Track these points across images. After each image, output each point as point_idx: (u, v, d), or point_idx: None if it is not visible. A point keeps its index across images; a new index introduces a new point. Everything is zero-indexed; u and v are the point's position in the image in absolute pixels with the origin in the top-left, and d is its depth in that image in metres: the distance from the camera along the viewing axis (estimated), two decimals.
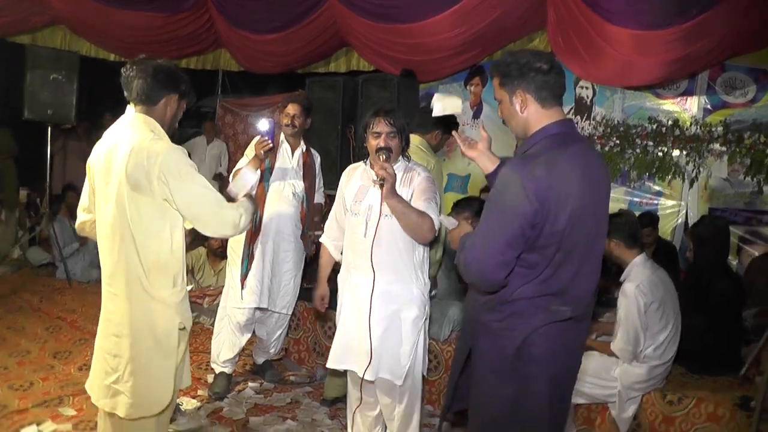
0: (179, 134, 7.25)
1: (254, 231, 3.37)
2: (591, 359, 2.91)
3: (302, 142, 3.55)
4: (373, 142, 2.51)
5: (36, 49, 5.69)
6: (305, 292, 3.71)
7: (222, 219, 2.10)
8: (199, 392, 3.54)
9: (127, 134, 2.05)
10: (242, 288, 3.40)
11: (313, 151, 3.65)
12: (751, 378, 2.84)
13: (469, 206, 3.12)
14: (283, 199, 3.46)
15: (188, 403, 3.37)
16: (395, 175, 2.39)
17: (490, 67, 1.89)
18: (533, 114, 1.77)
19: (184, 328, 2.15)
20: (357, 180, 2.68)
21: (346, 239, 2.69)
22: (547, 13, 5.01)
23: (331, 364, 2.66)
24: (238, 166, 3.36)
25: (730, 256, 4.56)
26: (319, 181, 3.69)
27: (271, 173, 3.41)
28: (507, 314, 1.77)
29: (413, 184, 2.57)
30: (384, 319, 2.53)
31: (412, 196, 2.54)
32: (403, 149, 2.62)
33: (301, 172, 3.51)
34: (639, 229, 3.06)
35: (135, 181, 1.98)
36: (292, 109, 3.45)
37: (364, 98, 4.66)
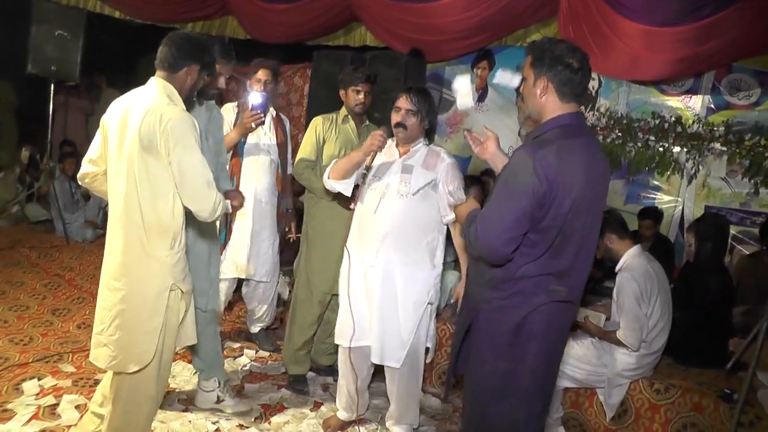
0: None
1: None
2: (577, 344, 3.00)
3: (271, 108, 3.54)
4: (393, 117, 2.60)
5: (43, 3, 5.58)
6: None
7: (206, 198, 2.13)
8: None
9: (145, 97, 2.12)
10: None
11: (282, 115, 3.65)
12: (735, 372, 2.93)
13: (475, 184, 3.15)
14: (260, 166, 3.47)
15: (184, 368, 3.39)
16: (384, 142, 2.57)
17: (527, 46, 1.94)
18: (550, 102, 1.85)
19: (180, 290, 2.18)
20: (381, 156, 2.70)
21: (358, 212, 2.71)
22: (560, 3, 5.01)
23: (342, 341, 2.71)
24: None
25: None
26: (289, 149, 3.67)
27: (245, 143, 3.41)
28: (510, 292, 1.87)
29: (438, 168, 2.60)
30: (387, 299, 2.57)
31: (436, 182, 2.58)
32: (428, 133, 2.69)
33: (274, 137, 3.52)
34: (625, 220, 3.15)
35: (147, 142, 2.04)
36: (263, 74, 3.43)
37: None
